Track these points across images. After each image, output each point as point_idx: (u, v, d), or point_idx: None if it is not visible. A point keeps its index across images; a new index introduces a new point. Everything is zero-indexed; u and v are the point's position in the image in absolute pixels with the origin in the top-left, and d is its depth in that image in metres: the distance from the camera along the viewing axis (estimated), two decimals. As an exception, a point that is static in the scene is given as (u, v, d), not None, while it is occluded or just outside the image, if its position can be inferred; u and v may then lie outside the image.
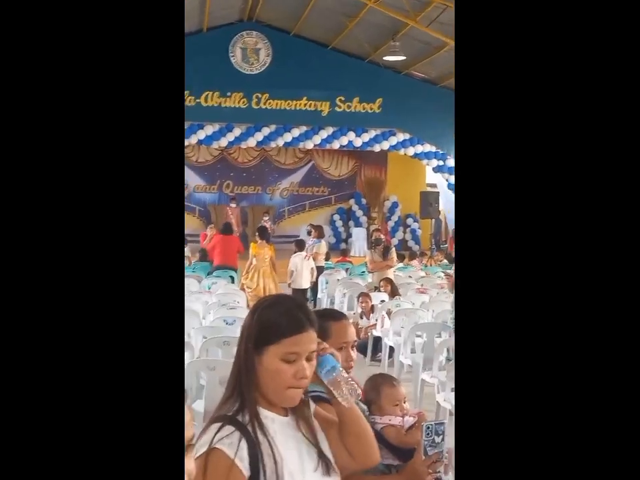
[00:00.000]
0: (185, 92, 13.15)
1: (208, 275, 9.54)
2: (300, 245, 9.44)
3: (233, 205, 15.23)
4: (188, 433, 0.91)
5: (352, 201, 17.35)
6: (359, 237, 15.87)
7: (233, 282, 9.24)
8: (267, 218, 14.14)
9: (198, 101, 13.35)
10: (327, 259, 10.91)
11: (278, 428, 1.46)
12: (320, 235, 10.35)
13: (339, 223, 17.20)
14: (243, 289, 9.21)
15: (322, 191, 17.47)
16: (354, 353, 1.98)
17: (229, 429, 1.39)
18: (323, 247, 10.25)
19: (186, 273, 9.20)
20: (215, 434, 1.38)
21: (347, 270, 10.66)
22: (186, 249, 11.55)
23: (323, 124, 13.90)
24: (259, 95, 13.64)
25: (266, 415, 1.46)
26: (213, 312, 6.35)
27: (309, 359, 1.46)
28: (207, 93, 13.39)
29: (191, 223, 16.53)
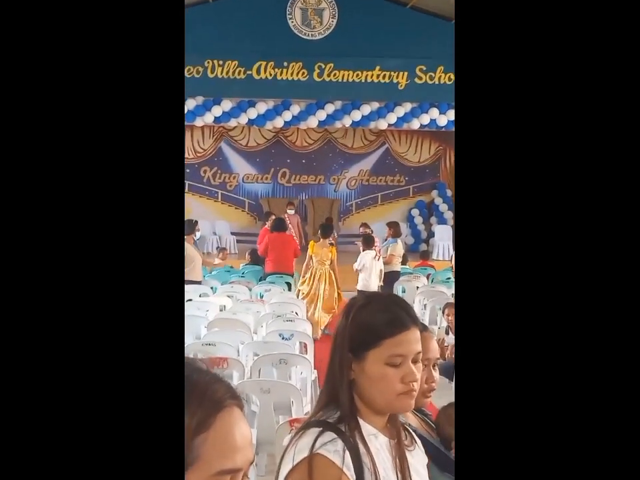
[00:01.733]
0: (233, 62, 13.38)
1: (260, 281, 9.66)
2: (368, 242, 9.55)
3: (291, 212, 13.98)
4: (247, 455, 0.95)
5: (434, 193, 17.22)
6: (443, 236, 15.74)
7: (289, 289, 9.33)
8: (291, 210, 13.94)
9: (249, 72, 13.53)
10: (403, 262, 10.86)
11: (380, 447, 1.53)
12: (395, 234, 10.33)
13: (418, 220, 17.09)
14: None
15: (398, 180, 17.42)
16: (436, 374, 1.98)
17: (330, 435, 1.47)
18: (399, 247, 10.22)
19: (234, 279, 9.38)
20: (317, 438, 1.45)
21: (428, 276, 10.61)
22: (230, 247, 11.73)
23: (399, 99, 13.87)
24: (322, 65, 13.71)
25: (369, 430, 1.54)
26: (266, 324, 6.45)
27: (415, 361, 1.53)
28: (259, 63, 13.55)
29: (240, 219, 16.84)
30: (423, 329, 2.00)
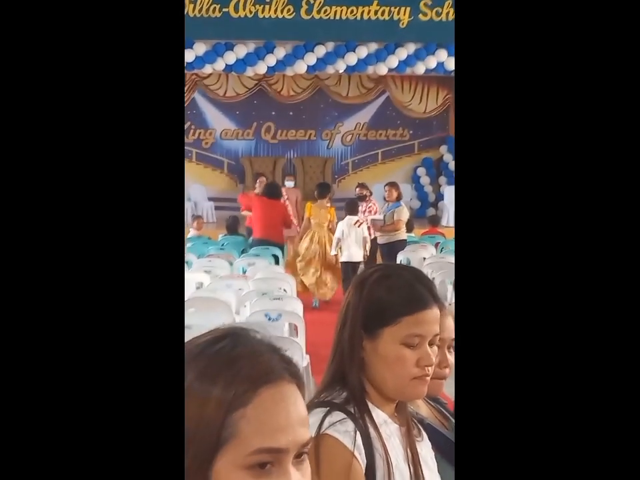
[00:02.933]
0: (208, -2, 13.23)
1: (242, 253, 9.67)
2: (351, 208, 9.94)
3: (290, 184, 12.86)
4: (295, 436, 0.98)
5: (443, 149, 17.20)
6: (453, 198, 15.72)
7: (277, 263, 9.36)
8: (290, 182, 12.89)
9: (225, 10, 13.38)
10: (409, 229, 10.88)
11: (391, 433, 1.59)
12: (398, 197, 10.30)
13: (425, 180, 17.09)
14: (292, 270, 9.44)
15: (401, 134, 17.40)
16: (451, 357, 1.96)
17: (339, 414, 1.52)
18: (404, 212, 10.20)
19: (214, 252, 9.38)
20: (324, 417, 1.50)
21: (436, 245, 10.62)
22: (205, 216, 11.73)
23: (401, 39, 13.77)
24: (310, 0, 13.59)
25: (378, 414, 1.59)
26: (249, 304, 6.46)
27: (432, 344, 1.59)
28: (237, -2, 13.44)
29: (217, 182, 16.80)
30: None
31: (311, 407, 1.52)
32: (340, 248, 9.78)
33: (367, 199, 11.00)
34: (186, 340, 1.04)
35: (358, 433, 1.50)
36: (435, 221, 13.09)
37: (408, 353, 1.55)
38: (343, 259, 9.74)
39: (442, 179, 16.98)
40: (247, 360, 0.97)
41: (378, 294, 1.59)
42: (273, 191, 10.13)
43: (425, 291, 1.61)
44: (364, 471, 1.50)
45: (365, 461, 1.50)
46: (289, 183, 12.70)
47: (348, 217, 9.84)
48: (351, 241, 9.70)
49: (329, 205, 10.25)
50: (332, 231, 9.94)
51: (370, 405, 1.58)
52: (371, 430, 1.53)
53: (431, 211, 15.98)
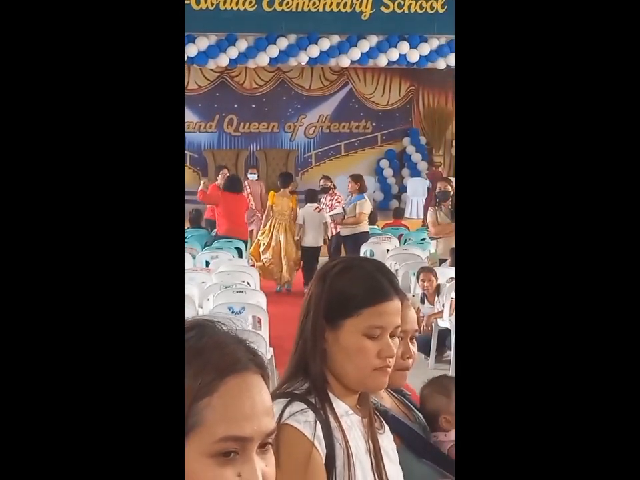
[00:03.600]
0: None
1: (205, 246, 9.63)
2: (311, 196, 10.61)
3: (253, 176, 12.72)
4: (260, 425, 0.99)
5: (406, 141, 17.28)
6: (417, 190, 15.83)
7: (240, 256, 9.35)
8: (253, 175, 12.74)
9: (187, 2, 13.28)
10: (372, 222, 10.96)
11: (352, 424, 1.60)
12: (361, 189, 10.34)
13: (388, 172, 17.15)
14: (253, 263, 9.55)
15: (364, 127, 17.44)
16: (414, 348, 1.98)
17: (300, 405, 1.53)
18: (366, 205, 10.24)
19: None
20: (285, 407, 1.51)
21: (399, 237, 10.67)
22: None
23: (363, 31, 13.78)
24: (273, -8, 13.56)
25: (339, 404, 1.60)
26: (213, 297, 6.47)
27: (393, 335, 1.60)
28: (198, -10, 13.36)
29: (180, 176, 16.66)
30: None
31: (272, 397, 1.54)
32: (301, 234, 10.33)
33: (331, 191, 11.10)
34: None
35: (318, 423, 1.51)
36: (398, 213, 13.15)
37: (369, 344, 1.56)
38: (303, 243, 10.30)
39: (405, 171, 17.05)
40: (213, 350, 0.99)
41: (340, 285, 1.60)
42: (234, 185, 10.21)
43: (386, 282, 1.62)
44: (324, 461, 1.51)
45: (325, 450, 1.51)
46: (252, 176, 12.59)
47: (308, 204, 10.43)
48: (311, 227, 10.26)
49: (291, 192, 10.72)
50: (293, 219, 10.39)
51: (331, 396, 1.59)
52: (332, 420, 1.54)
53: (394, 203, 16.03)
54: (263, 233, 10.52)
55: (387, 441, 1.70)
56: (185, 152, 16.81)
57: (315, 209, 10.43)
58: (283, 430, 1.47)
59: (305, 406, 1.53)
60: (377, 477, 1.60)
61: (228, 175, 11.10)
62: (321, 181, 11.61)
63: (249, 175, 12.71)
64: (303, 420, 1.51)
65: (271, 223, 10.45)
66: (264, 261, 10.34)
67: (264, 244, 10.39)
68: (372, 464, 1.60)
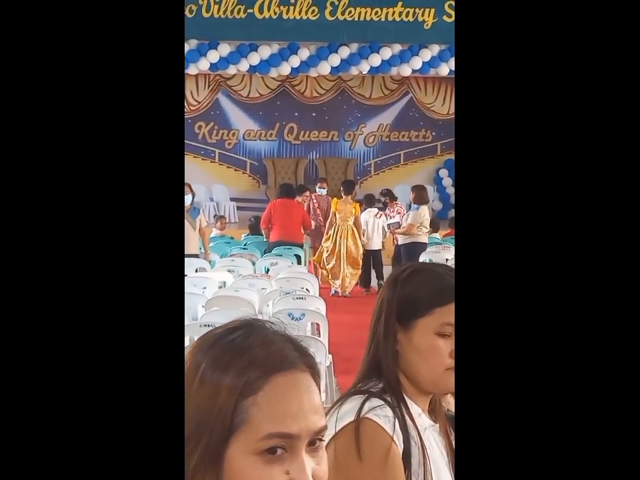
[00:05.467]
0: (232, -1, 13.27)
1: (265, 253, 9.71)
2: (370, 201, 11.16)
3: (323, 191, 11.96)
4: (307, 423, 0.99)
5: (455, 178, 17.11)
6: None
7: (299, 263, 9.38)
8: (323, 190, 11.96)
9: (250, 11, 13.43)
10: (435, 230, 11.02)
11: (425, 426, 1.61)
12: (419, 199, 10.29)
13: (447, 182, 17.04)
14: (316, 269, 9.71)
15: (423, 136, 17.36)
16: None
17: (378, 400, 1.54)
18: (419, 215, 10.20)
19: (236, 252, 9.44)
20: (363, 402, 1.53)
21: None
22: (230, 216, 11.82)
23: (425, 41, 13.76)
24: (335, 1, 13.59)
25: (413, 406, 1.61)
26: (272, 303, 6.50)
27: None
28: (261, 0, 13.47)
29: (240, 183, 16.85)
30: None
31: (347, 395, 1.59)
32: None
33: (391, 202, 11.35)
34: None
35: (396, 419, 1.53)
36: (454, 223, 13.07)
37: (441, 343, 1.58)
38: (367, 247, 10.69)
39: (465, 181, 16.93)
40: (259, 348, 0.99)
41: (411, 288, 1.62)
42: (288, 191, 10.38)
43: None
44: (402, 457, 1.53)
45: (403, 446, 1.52)
46: (321, 190, 11.96)
47: (368, 209, 10.94)
48: (372, 231, 10.61)
49: (354, 200, 11.08)
50: (356, 225, 10.69)
51: (405, 398, 1.60)
52: (407, 419, 1.56)
53: (452, 213, 15.93)
54: (327, 240, 10.80)
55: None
56: (245, 159, 16.98)
57: (376, 214, 10.75)
58: (363, 423, 1.49)
59: (383, 402, 1.55)
60: (454, 477, 1.60)
61: (281, 183, 11.28)
62: (381, 197, 11.81)
63: (317, 189, 12.03)
64: (383, 415, 1.52)
65: (335, 229, 10.72)
66: (328, 267, 10.65)
67: (328, 250, 10.67)
68: (448, 465, 1.62)
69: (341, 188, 11.18)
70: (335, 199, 11.08)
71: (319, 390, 1.04)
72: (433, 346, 1.58)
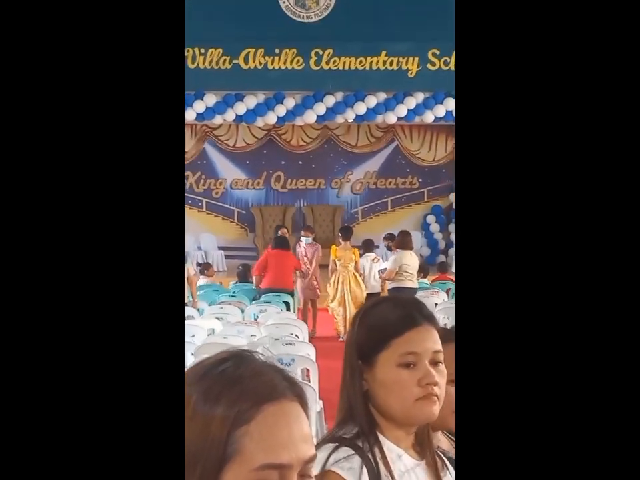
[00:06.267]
0: (217, 50, 13.42)
1: (253, 300, 9.69)
2: (368, 246, 11.16)
3: (307, 240, 11.42)
4: (298, 452, 1.00)
5: (452, 196, 17.23)
6: (463, 246, 15.76)
7: (288, 309, 9.36)
8: (307, 239, 11.52)
9: (235, 62, 13.57)
10: (424, 276, 11.06)
11: (405, 469, 1.57)
12: (402, 245, 10.28)
13: (434, 227, 17.13)
14: (305, 315, 9.76)
15: (410, 182, 17.46)
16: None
17: (346, 450, 1.52)
18: (391, 262, 10.21)
19: (224, 299, 9.42)
20: (330, 454, 1.50)
21: (447, 291, 10.61)
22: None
23: (409, 89, 13.88)
24: (319, 51, 13.75)
25: (390, 447, 1.58)
26: (261, 349, 6.40)
27: (434, 362, 1.58)
28: (247, 50, 13.60)
29: (228, 231, 16.86)
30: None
31: (321, 443, 1.55)
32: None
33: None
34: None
35: (365, 469, 1.49)
36: (444, 268, 13.10)
37: (406, 374, 1.56)
38: (366, 291, 10.71)
39: (452, 226, 16.98)
40: (250, 379, 1.00)
41: (368, 323, 1.61)
42: (282, 243, 10.48)
43: (414, 310, 1.61)
44: None
45: None
46: (306, 239, 11.40)
47: (366, 254, 10.98)
48: (369, 275, 10.63)
49: (352, 246, 11.15)
50: (356, 270, 10.80)
51: (382, 439, 1.57)
52: (381, 465, 1.52)
53: (441, 258, 15.96)
54: (330, 287, 10.91)
55: None
56: (233, 208, 17.01)
57: (373, 259, 10.82)
58: (327, 476, 1.47)
59: (352, 452, 1.52)
60: None
61: (275, 236, 11.25)
62: (384, 241, 12.15)
63: (302, 238, 11.54)
64: (347, 467, 1.49)
65: (336, 276, 10.80)
66: (332, 312, 10.80)
67: (331, 296, 10.81)
68: None
69: (339, 234, 11.28)
70: (334, 246, 11.17)
71: (308, 419, 1.04)
72: (397, 379, 1.56)
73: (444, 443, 1.96)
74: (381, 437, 1.58)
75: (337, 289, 10.74)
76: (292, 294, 10.12)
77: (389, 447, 1.57)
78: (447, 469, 1.68)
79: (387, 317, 1.59)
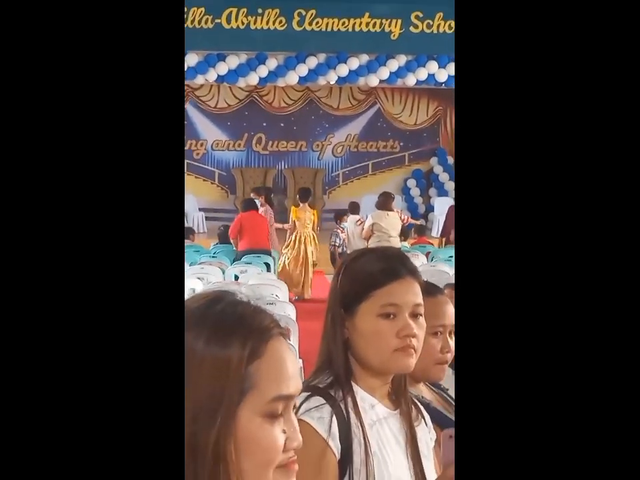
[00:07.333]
0: (199, 9, 13.27)
1: (234, 262, 9.69)
2: (354, 208, 11.31)
3: (264, 209, 11.17)
4: (298, 383, 1.07)
5: (433, 160, 17.28)
6: (443, 210, 15.78)
7: (268, 270, 9.38)
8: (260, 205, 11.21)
9: (217, 21, 13.45)
10: (405, 239, 11.11)
11: (377, 418, 1.60)
12: (382, 205, 10.36)
13: (415, 192, 17.17)
14: (283, 276, 9.78)
15: (391, 146, 17.46)
16: (452, 342, 1.99)
17: (318, 400, 1.54)
18: (384, 219, 10.28)
19: (205, 260, 9.42)
20: (302, 403, 1.52)
21: (427, 254, 10.68)
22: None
23: (392, 51, 13.84)
24: (302, 12, 13.65)
25: (364, 397, 1.60)
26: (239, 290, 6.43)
27: (414, 315, 1.59)
28: (229, 9, 13.48)
29: (208, 193, 16.83)
30: (438, 291, 2.06)
31: None
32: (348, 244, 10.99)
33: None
34: None
35: (335, 418, 1.52)
36: (422, 231, 13.20)
37: (385, 325, 1.57)
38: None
39: (432, 191, 17.04)
40: (251, 318, 1.05)
41: (352, 272, 1.63)
42: (251, 204, 10.60)
43: (397, 263, 1.62)
44: (338, 457, 1.51)
45: (340, 446, 1.51)
46: (262, 206, 11.19)
47: (351, 215, 11.12)
48: (352, 237, 10.73)
49: (310, 208, 11.47)
50: (314, 231, 11.22)
51: (356, 388, 1.59)
52: (352, 415, 1.54)
53: (420, 222, 16.02)
54: (287, 246, 11.11)
55: (423, 432, 1.69)
56: (214, 169, 16.95)
57: (357, 221, 10.92)
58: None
59: (323, 401, 1.54)
60: (412, 465, 1.60)
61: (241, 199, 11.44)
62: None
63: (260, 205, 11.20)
64: (317, 416, 1.51)
65: (295, 235, 11.05)
66: (291, 272, 10.85)
67: (288, 257, 10.95)
68: (407, 455, 1.61)
69: (297, 196, 11.57)
70: (293, 207, 11.51)
71: None
72: (376, 329, 1.57)
73: (426, 393, 1.99)
74: (354, 387, 1.59)
75: (296, 248, 10.98)
76: (270, 253, 10.15)
77: (362, 397, 1.59)
78: (423, 418, 1.71)
79: (371, 267, 1.60)
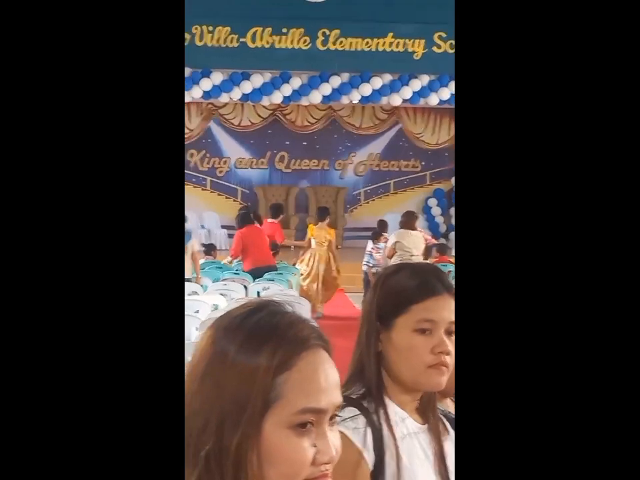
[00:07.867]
0: (225, 28, 13.37)
1: (256, 279, 9.70)
2: (383, 227, 11.52)
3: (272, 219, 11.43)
4: (332, 397, 1.05)
5: (455, 180, 17.20)
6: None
7: (291, 287, 9.38)
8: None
9: (243, 40, 13.54)
10: (424, 258, 11.08)
11: (407, 432, 1.59)
12: (404, 224, 10.35)
13: (436, 211, 17.15)
14: (303, 294, 9.81)
15: (413, 165, 17.48)
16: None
17: (352, 410, 1.53)
18: (408, 238, 10.28)
19: (228, 276, 9.44)
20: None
21: (448, 272, 10.65)
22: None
23: (415, 71, 13.89)
24: (327, 31, 13.72)
25: (395, 410, 1.59)
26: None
27: (449, 332, 1.58)
28: (254, 29, 13.57)
29: (231, 210, 16.79)
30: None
31: None
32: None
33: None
34: None
35: (369, 429, 1.52)
36: (443, 250, 13.16)
37: (420, 340, 1.57)
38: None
39: (453, 210, 17.00)
40: (286, 328, 1.04)
41: (390, 286, 1.63)
42: (246, 219, 10.21)
43: (435, 280, 1.62)
44: (371, 469, 1.51)
45: (374, 459, 1.51)
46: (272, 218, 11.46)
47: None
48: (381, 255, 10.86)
49: (328, 227, 11.54)
50: (330, 249, 11.21)
51: (388, 401, 1.59)
52: (385, 427, 1.54)
53: (441, 240, 15.98)
54: (301, 262, 11.27)
55: (449, 448, 1.66)
56: (236, 187, 17.01)
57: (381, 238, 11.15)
58: None
59: (358, 412, 1.54)
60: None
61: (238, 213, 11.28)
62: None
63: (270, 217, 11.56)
64: (353, 427, 1.51)
65: (311, 253, 11.15)
66: (305, 288, 10.93)
67: (302, 273, 11.03)
68: (435, 469, 1.60)
69: (316, 215, 11.86)
70: (311, 225, 11.61)
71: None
72: (411, 344, 1.57)
73: (452, 408, 1.97)
74: (386, 399, 1.59)
75: (311, 266, 11.07)
76: (276, 269, 10.08)
77: (394, 410, 1.59)
78: (449, 433, 1.70)
79: (409, 282, 1.61)
